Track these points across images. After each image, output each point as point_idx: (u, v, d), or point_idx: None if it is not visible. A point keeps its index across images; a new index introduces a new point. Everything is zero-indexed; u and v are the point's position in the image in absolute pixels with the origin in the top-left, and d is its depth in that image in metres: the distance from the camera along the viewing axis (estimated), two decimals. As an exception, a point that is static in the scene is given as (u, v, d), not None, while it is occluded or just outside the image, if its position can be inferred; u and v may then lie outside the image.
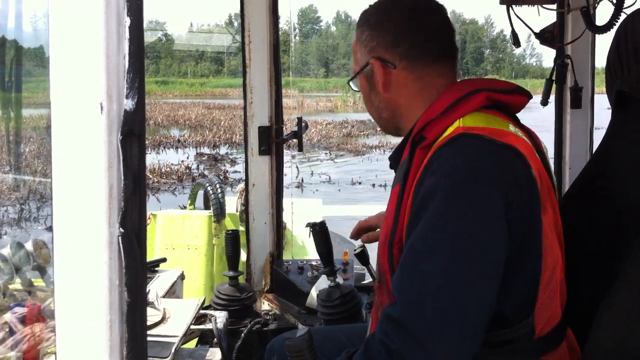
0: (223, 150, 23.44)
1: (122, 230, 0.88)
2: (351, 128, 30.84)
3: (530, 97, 1.60)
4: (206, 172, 17.43)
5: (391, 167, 1.73)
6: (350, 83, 1.75)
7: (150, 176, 16.62)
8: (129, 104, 0.88)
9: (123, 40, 0.88)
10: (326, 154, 23.05)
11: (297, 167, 18.80)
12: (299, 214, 5.74)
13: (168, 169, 18.15)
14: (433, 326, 1.27)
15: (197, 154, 22.31)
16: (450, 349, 1.27)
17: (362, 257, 2.14)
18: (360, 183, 16.72)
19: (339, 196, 14.76)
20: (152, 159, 19.71)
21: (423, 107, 1.57)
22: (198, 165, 19.57)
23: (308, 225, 2.22)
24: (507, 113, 1.54)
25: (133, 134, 0.89)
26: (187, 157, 21.37)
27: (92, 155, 0.87)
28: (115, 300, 0.89)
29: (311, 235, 2.30)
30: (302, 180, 17.06)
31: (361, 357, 1.34)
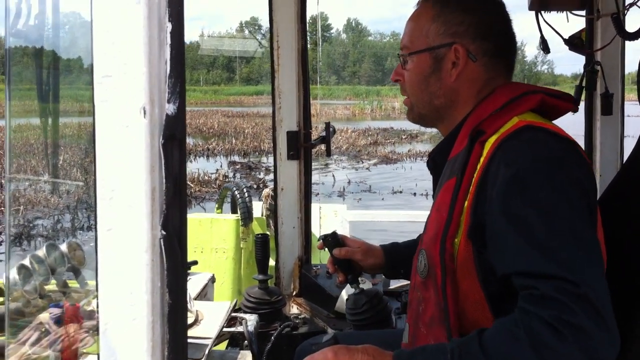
0: (253, 158, 23.48)
1: (164, 233, 0.90)
2: (376, 136, 30.80)
3: (577, 104, 1.62)
4: (244, 181, 17.43)
5: (430, 165, 1.73)
6: (405, 58, 1.69)
7: (191, 185, 16.66)
8: (170, 109, 0.90)
9: (164, 46, 0.90)
10: (358, 161, 22.98)
11: (333, 175, 18.82)
12: (326, 220, 5.76)
13: (207, 178, 18.22)
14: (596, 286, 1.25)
15: (229, 162, 22.41)
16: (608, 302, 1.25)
17: (334, 241, 2.14)
18: (401, 192, 16.60)
19: (383, 204, 14.71)
20: (188, 167, 19.87)
21: (475, 102, 1.60)
22: (234, 174, 19.62)
23: (320, 238, 2.23)
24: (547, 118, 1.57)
25: (174, 138, 0.90)
26: (221, 166, 21.44)
27: (134, 159, 0.89)
28: (157, 302, 0.91)
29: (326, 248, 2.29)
30: (344, 189, 17.05)
31: (521, 339, 1.23)
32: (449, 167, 1.56)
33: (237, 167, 21.08)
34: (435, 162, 1.71)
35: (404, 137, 30.14)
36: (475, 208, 1.42)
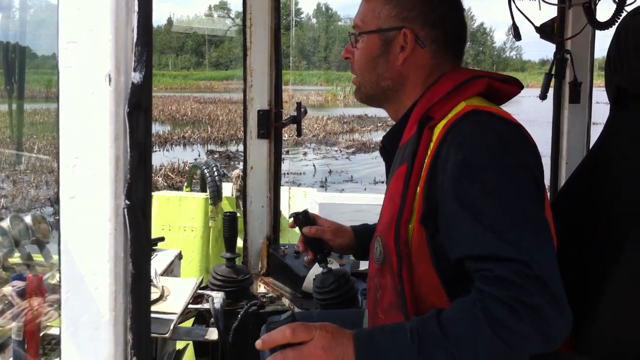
0: (231, 146, 23.22)
1: (128, 202, 0.89)
2: (352, 123, 30.68)
3: (522, 88, 1.65)
4: (224, 170, 17.21)
5: (382, 152, 1.75)
6: (356, 37, 1.70)
7: (172, 175, 16.31)
8: (136, 77, 0.89)
9: (132, 13, 0.89)
10: (337, 150, 22.86)
11: (314, 165, 18.69)
12: (296, 200, 5.77)
13: (187, 168, 17.90)
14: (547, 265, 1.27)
15: (208, 151, 22.11)
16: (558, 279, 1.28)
17: (305, 220, 2.15)
18: (383, 182, 16.55)
19: (367, 195, 14.74)
20: (165, 157, 19.46)
21: (423, 88, 1.62)
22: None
23: (292, 215, 2.23)
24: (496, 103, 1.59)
25: (140, 107, 0.90)
26: (199, 155, 21.13)
27: (99, 127, 0.88)
28: (120, 271, 0.90)
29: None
30: (326, 179, 16.91)
31: (479, 319, 1.24)
32: (400, 153, 1.58)
33: (216, 156, 20.73)
34: (387, 149, 1.72)
35: (379, 124, 30.14)
36: (427, 194, 1.43)
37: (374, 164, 19.15)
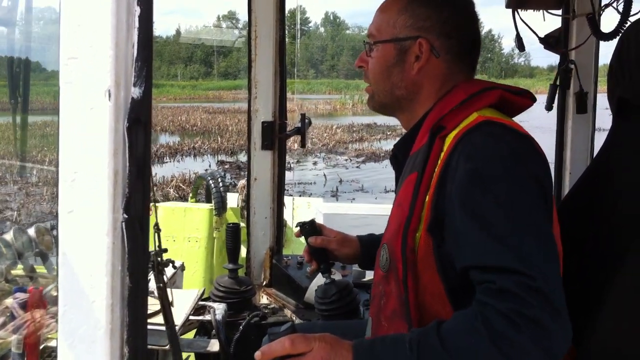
0: (241, 157, 23.09)
1: (126, 216, 0.90)
2: (361, 132, 30.70)
3: (535, 100, 1.65)
4: (234, 181, 17.08)
5: (393, 161, 1.75)
6: (371, 46, 1.70)
7: (183, 187, 16.17)
8: (136, 92, 0.90)
9: (132, 29, 0.90)
10: (346, 160, 22.81)
11: (324, 175, 18.68)
12: (300, 211, 5.77)
13: (198, 174, 17.94)
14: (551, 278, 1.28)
15: (218, 161, 22.07)
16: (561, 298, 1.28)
17: (311, 229, 2.15)
18: (393, 191, 16.44)
19: (374, 205, 14.68)
20: (176, 168, 19.48)
21: (436, 97, 1.62)
22: (224, 174, 19.29)
23: (298, 224, 2.23)
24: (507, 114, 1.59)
25: (139, 122, 0.91)
26: (210, 165, 21.07)
27: (98, 142, 0.89)
28: (117, 285, 0.91)
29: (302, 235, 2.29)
30: (337, 189, 16.86)
31: (479, 331, 1.25)
32: (410, 162, 1.58)
33: (227, 166, 20.77)
34: (398, 157, 1.73)
35: (389, 133, 30.15)
36: (436, 203, 1.43)
37: (384, 173, 19.04)
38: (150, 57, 0.92)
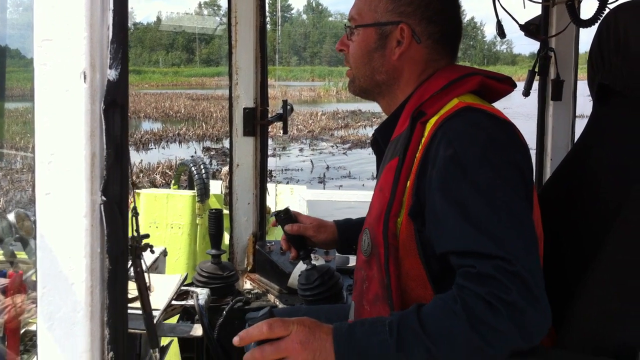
0: (227, 143, 23.08)
1: (104, 198, 0.90)
2: (346, 119, 30.66)
3: (515, 87, 1.66)
4: (222, 167, 17.05)
5: (374, 145, 1.76)
6: (352, 29, 1.69)
7: (169, 173, 16.10)
8: (112, 74, 0.90)
9: (107, 11, 0.90)
10: (332, 146, 22.73)
11: (311, 161, 18.60)
12: (282, 197, 5.77)
13: (180, 161, 17.86)
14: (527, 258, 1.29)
15: (204, 148, 21.92)
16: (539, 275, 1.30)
17: (287, 218, 2.16)
18: None
19: (357, 192, 14.68)
20: (162, 155, 19.38)
21: (417, 83, 1.63)
22: (210, 160, 19.01)
23: (273, 214, 2.24)
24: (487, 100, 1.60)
25: (116, 104, 0.91)
26: (195, 152, 20.88)
27: (74, 124, 0.89)
28: (96, 267, 0.91)
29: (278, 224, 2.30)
30: (324, 175, 16.80)
31: (458, 314, 1.26)
32: (391, 147, 1.59)
33: (212, 153, 20.65)
34: (379, 143, 1.74)
35: (374, 119, 30.13)
36: (417, 188, 1.44)
37: (370, 159, 18.94)
38: (126, 39, 0.92)
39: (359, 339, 1.32)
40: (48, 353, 0.93)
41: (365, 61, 1.68)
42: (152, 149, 22.07)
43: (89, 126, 0.88)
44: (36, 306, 1.60)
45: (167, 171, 16.35)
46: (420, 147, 1.48)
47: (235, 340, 1.36)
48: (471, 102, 1.50)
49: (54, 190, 0.90)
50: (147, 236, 2.51)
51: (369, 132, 25.85)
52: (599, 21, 2.27)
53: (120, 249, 0.94)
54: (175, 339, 2.40)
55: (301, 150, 21.68)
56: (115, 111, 0.90)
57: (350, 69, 1.74)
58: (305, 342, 1.32)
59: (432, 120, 1.49)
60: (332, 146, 22.81)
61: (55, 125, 0.89)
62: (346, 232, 2.12)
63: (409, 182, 1.47)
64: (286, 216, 2.17)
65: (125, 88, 0.92)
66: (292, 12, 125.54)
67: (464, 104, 1.48)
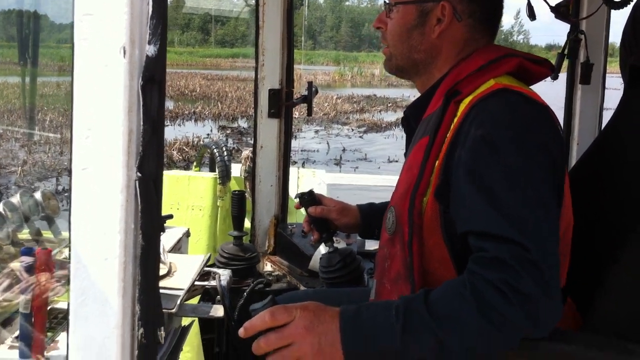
0: (242, 122, 23.17)
1: (140, 175, 0.89)
2: (361, 103, 30.55)
3: (553, 70, 1.64)
4: (237, 146, 16.98)
5: (404, 124, 1.74)
6: (391, 7, 1.67)
7: (186, 149, 16.40)
8: (151, 50, 0.89)
9: (147, -14, 0.89)
10: (348, 129, 22.77)
11: (327, 143, 18.66)
12: (304, 180, 5.77)
13: (201, 142, 17.92)
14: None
15: (219, 127, 22.05)
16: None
17: (310, 200, 2.16)
18: (397, 161, 16.10)
19: (377, 176, 14.76)
20: (179, 132, 19.46)
21: (454, 62, 1.61)
22: (227, 139, 19.16)
23: (297, 195, 2.23)
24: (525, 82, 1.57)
25: (154, 80, 0.89)
26: (211, 130, 21.15)
27: (112, 99, 0.88)
28: (130, 243, 0.91)
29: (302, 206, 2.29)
30: (341, 157, 16.85)
31: (467, 300, 1.25)
32: (422, 126, 1.57)
33: (228, 132, 20.78)
34: (409, 121, 1.72)
35: (389, 105, 30.06)
36: (445, 168, 1.43)
37: (387, 144, 19.16)
38: (165, 14, 0.90)
39: (365, 321, 1.31)
40: (80, 328, 0.93)
41: (403, 39, 1.66)
42: (167, 125, 22.20)
43: (127, 102, 0.87)
44: (62, 285, 1.61)
45: (184, 147, 16.54)
46: (452, 127, 1.46)
47: (240, 332, 1.33)
48: (508, 83, 1.48)
49: (90, 165, 0.89)
50: (170, 216, 2.53)
51: (385, 117, 25.93)
52: (632, 3, 2.23)
53: (154, 226, 0.93)
54: (196, 319, 2.41)
55: (317, 132, 21.67)
56: (153, 87, 0.89)
57: (387, 47, 1.72)
58: (310, 327, 1.30)
59: (466, 100, 1.47)
60: (348, 129, 22.83)
61: (94, 101, 0.88)
62: (369, 217, 2.11)
63: (437, 162, 1.46)
64: (310, 198, 2.17)
65: (163, 65, 0.91)
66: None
67: (501, 85, 1.46)
